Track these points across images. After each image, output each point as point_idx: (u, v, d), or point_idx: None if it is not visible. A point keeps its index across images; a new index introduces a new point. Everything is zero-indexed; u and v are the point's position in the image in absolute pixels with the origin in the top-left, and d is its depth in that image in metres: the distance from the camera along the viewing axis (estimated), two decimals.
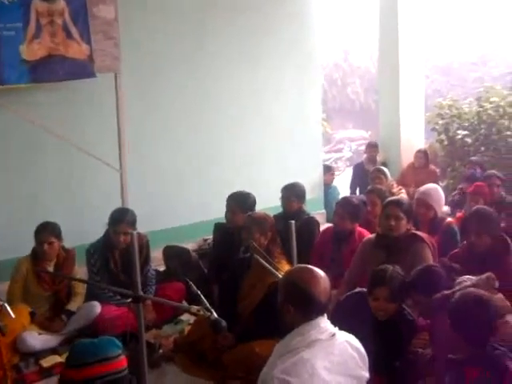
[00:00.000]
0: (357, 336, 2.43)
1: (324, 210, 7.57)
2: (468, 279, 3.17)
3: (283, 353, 2.28)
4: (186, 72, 6.31)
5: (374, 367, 2.50)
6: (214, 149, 6.58)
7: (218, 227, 5.26)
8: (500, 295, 3.05)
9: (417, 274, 3.31)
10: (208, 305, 2.60)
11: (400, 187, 6.88)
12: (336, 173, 17.13)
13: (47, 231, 4.33)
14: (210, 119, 6.54)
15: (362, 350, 2.44)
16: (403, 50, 8.59)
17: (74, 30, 4.92)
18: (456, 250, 3.99)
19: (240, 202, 4.88)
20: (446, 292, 3.01)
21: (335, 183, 8.53)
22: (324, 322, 2.34)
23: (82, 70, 5.00)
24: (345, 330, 2.42)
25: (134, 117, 5.63)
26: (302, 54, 7.44)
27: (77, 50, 4.95)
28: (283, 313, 2.36)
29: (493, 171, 6.32)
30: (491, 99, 8.25)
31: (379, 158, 8.59)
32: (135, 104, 5.73)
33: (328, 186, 8.05)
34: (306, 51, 7.52)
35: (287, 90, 7.28)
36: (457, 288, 3.02)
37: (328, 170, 8.36)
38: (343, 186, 8.80)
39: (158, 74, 6.10)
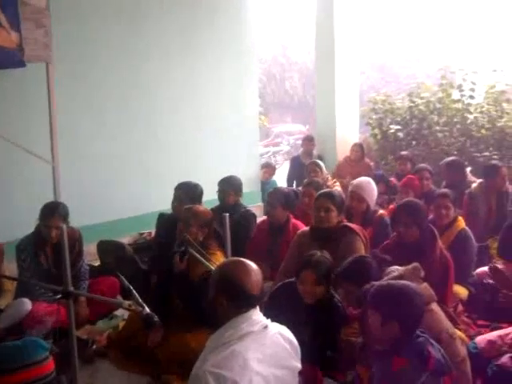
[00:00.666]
0: (290, 325, 2.46)
1: (261, 203, 7.63)
2: (395, 269, 3.24)
3: (215, 346, 2.27)
4: (122, 61, 6.20)
5: (306, 356, 2.55)
6: (150, 141, 6.50)
7: (162, 218, 5.20)
8: (425, 284, 3.14)
9: (348, 264, 3.38)
10: (140, 299, 2.57)
11: (335, 180, 7.01)
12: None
13: None
14: (147, 110, 6.46)
15: (295, 341, 2.47)
16: (339, 46, 8.76)
17: (2, 18, 4.73)
18: (387, 242, 4.10)
19: (188, 193, 4.86)
20: (375, 283, 3.09)
21: (274, 177, 8.62)
22: (256, 315, 2.35)
23: (11, 59, 4.82)
24: (278, 319, 2.44)
25: (66, 107, 5.48)
26: (239, 48, 7.46)
27: (5, 38, 4.76)
28: (215, 306, 2.36)
29: (424, 165, 6.53)
30: (422, 95, 8.51)
31: (316, 152, 8.73)
32: (68, 94, 5.57)
33: (267, 181, 8.11)
34: (244, 45, 7.54)
35: (224, 83, 7.28)
36: (385, 279, 3.09)
37: (267, 166, 8.42)
38: (281, 179, 8.89)
39: (92, 63, 5.96)
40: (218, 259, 3.66)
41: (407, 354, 2.48)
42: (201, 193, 4.96)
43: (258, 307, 2.39)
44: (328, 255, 3.47)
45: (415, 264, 3.24)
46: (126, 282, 2.80)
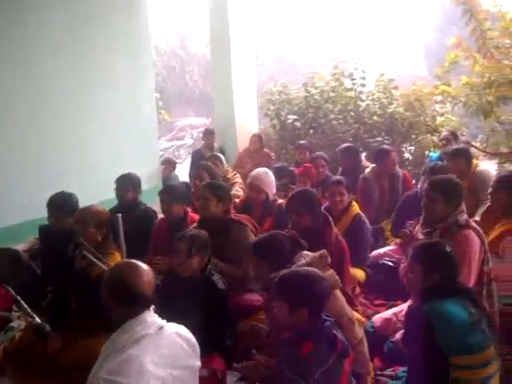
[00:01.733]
0: (179, 311, 2.43)
1: None
2: (306, 255, 3.29)
3: (110, 352, 2.22)
4: (7, 57, 5.83)
5: (204, 344, 2.55)
6: (44, 141, 6.18)
7: (41, 229, 4.97)
8: (331, 271, 3.22)
9: (261, 239, 3.44)
10: (29, 310, 2.45)
11: (235, 172, 7.03)
12: (178, 160, 17.15)
13: None
14: (39, 109, 6.14)
15: (193, 339, 2.47)
16: (234, 38, 8.78)
17: None
18: (286, 230, 4.17)
19: (62, 207, 4.60)
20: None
21: (177, 172, 8.53)
22: (150, 316, 2.32)
23: None
24: (168, 310, 2.42)
25: None
26: (133, 42, 7.30)
27: None
28: (108, 310, 2.30)
29: (319, 153, 6.71)
30: (316, 85, 8.72)
31: (216, 144, 8.74)
32: None
33: (168, 178, 8.01)
34: (138, 39, 7.38)
35: (119, 79, 7.09)
36: (293, 267, 3.13)
37: (166, 162, 8.32)
38: (185, 173, 8.80)
39: None
40: (116, 259, 3.57)
41: (315, 339, 2.54)
42: (75, 205, 4.66)
43: (151, 308, 2.35)
44: (204, 234, 3.54)
45: (322, 251, 3.32)
46: (14, 293, 2.66)
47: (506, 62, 7.22)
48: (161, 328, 2.32)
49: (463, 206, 3.62)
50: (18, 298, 2.57)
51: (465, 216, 3.58)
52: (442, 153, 5.89)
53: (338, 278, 3.24)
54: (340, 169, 6.53)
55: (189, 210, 4.77)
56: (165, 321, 2.37)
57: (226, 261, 3.88)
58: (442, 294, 2.74)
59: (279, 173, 5.81)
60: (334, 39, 24.10)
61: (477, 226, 3.60)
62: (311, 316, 2.58)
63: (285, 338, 2.71)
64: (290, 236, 3.51)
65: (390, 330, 3.64)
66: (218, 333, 3.31)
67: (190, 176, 8.36)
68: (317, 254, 3.31)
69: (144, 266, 2.34)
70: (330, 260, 3.34)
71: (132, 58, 7.32)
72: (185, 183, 5.11)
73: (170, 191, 4.71)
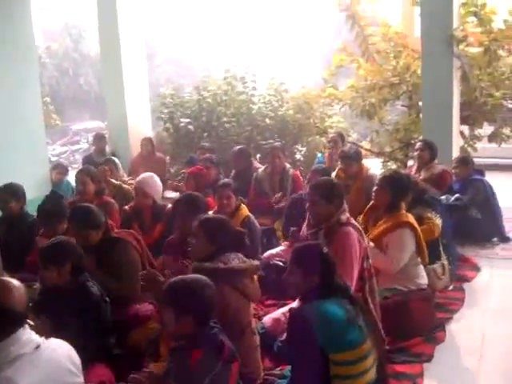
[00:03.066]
0: (55, 324, 2.36)
1: None
2: (240, 258, 3.27)
3: None
4: None
5: (87, 354, 2.50)
6: None
7: None
8: (257, 284, 3.32)
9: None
10: None
11: (131, 177, 6.90)
12: (74, 165, 16.54)
13: None
14: None
15: (73, 354, 2.39)
16: (124, 39, 8.59)
17: None
18: (171, 237, 4.17)
19: None
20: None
21: (69, 177, 8.24)
22: (25, 334, 2.22)
23: None
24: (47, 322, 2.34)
25: None
26: (14, 44, 6.93)
27: None
28: None
29: (208, 155, 6.71)
30: (209, 88, 8.75)
31: (108, 149, 8.52)
32: None
33: (59, 182, 7.70)
34: (20, 43, 7.01)
35: (2, 84, 6.72)
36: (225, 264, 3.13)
37: (57, 167, 8.01)
38: None
39: None
40: None
41: (203, 346, 2.54)
42: None
43: (26, 326, 2.25)
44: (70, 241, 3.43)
45: (258, 262, 3.38)
46: None
47: (386, 66, 7.63)
48: (38, 346, 2.22)
49: (345, 206, 3.73)
50: None
51: (347, 215, 3.70)
52: (339, 155, 6.07)
53: (259, 292, 3.33)
54: (233, 171, 6.59)
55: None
56: (43, 338, 2.28)
57: (108, 277, 3.70)
58: (321, 294, 2.81)
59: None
60: (228, 42, 24.33)
61: (356, 224, 3.75)
62: (197, 323, 2.58)
63: (173, 347, 2.69)
64: (237, 231, 3.50)
65: (279, 330, 3.70)
66: (99, 341, 3.23)
67: None
68: (254, 262, 3.32)
69: (14, 282, 2.24)
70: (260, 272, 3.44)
71: (14, 60, 6.96)
72: (61, 196, 4.91)
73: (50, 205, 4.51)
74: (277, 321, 3.80)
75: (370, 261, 3.65)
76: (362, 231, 3.74)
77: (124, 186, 6.11)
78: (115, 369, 3.22)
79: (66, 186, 7.74)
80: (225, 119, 8.27)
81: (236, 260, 3.23)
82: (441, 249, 4.68)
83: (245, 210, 4.75)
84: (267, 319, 3.86)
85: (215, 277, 2.93)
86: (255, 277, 4.41)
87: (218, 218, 3.52)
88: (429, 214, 4.65)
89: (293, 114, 8.16)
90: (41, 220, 4.48)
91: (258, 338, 3.36)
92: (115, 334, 3.48)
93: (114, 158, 6.94)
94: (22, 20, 7.13)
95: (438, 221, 4.67)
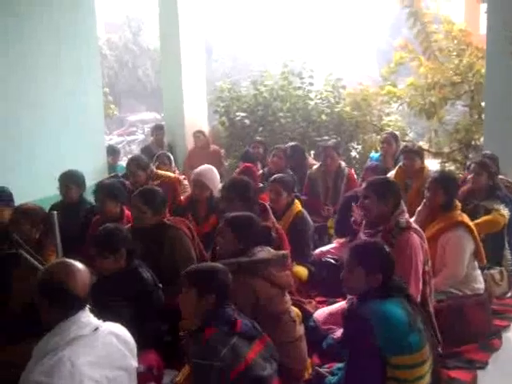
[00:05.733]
0: (108, 310, 2.41)
1: None
2: (267, 250, 3.30)
3: (43, 354, 2.18)
4: None
5: (139, 340, 2.53)
6: None
7: None
8: (288, 272, 3.30)
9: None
10: None
11: (184, 176, 6.97)
12: (129, 156, 16.89)
13: None
14: None
15: (130, 339, 2.44)
16: (184, 33, 8.70)
17: None
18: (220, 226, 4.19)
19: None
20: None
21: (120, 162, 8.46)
22: (85, 317, 2.29)
23: None
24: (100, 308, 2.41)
25: None
26: (78, 34, 7.11)
27: None
28: (41, 310, 2.26)
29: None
30: (266, 83, 8.76)
31: (166, 140, 8.67)
32: None
33: (113, 168, 7.91)
34: (83, 31, 7.20)
35: (63, 72, 6.89)
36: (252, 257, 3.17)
37: (112, 152, 8.22)
38: None
39: None
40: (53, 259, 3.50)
41: (217, 323, 2.64)
42: (9, 196, 4.61)
43: (87, 309, 2.32)
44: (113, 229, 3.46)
45: (285, 252, 3.36)
46: None
47: (448, 64, 7.43)
48: (96, 329, 2.29)
49: (403, 207, 3.64)
50: None
51: (406, 216, 3.59)
52: (401, 151, 5.93)
53: (292, 280, 3.31)
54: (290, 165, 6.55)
55: (125, 208, 4.60)
56: (101, 321, 2.34)
57: (161, 266, 3.78)
58: (381, 294, 2.76)
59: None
60: (285, 37, 24.27)
61: (417, 227, 3.64)
62: (219, 301, 2.70)
63: (192, 330, 2.78)
64: (265, 226, 3.53)
65: (332, 326, 3.68)
66: (151, 328, 3.28)
67: None
68: (280, 252, 3.34)
69: (79, 266, 2.30)
70: (289, 261, 3.38)
71: (77, 49, 7.14)
72: (120, 181, 5.00)
73: (103, 188, 4.53)
74: (328, 316, 3.78)
75: (430, 263, 3.56)
76: (423, 233, 3.63)
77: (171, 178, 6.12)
78: (164, 355, 3.29)
79: (118, 170, 7.94)
80: (280, 114, 8.27)
81: (262, 252, 3.26)
82: (506, 246, 4.56)
83: (298, 206, 4.74)
84: (318, 314, 3.84)
85: (239, 271, 3.04)
86: (304, 272, 4.47)
87: (244, 215, 3.50)
88: (496, 206, 4.56)
89: (349, 111, 8.07)
90: (100, 197, 4.53)
91: (301, 328, 3.34)
92: (167, 321, 3.52)
93: (167, 153, 7.02)
94: (85, 10, 7.30)
95: (506, 212, 4.55)
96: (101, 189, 4.53)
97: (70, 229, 4.41)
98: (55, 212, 3.23)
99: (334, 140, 7.08)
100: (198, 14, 9.10)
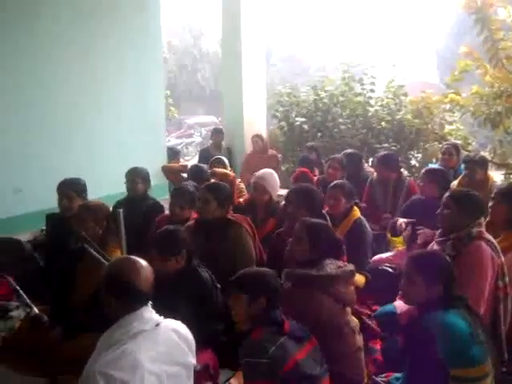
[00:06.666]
0: (167, 308, 2.46)
1: (168, 197, 7.54)
2: (334, 263, 3.27)
3: (106, 346, 2.25)
4: (15, 49, 5.87)
5: (196, 339, 2.57)
6: (47, 134, 6.21)
7: (50, 218, 5.01)
8: (353, 288, 3.30)
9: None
10: (27, 300, 2.49)
11: (240, 180, 7.02)
12: (186, 158, 17.18)
13: None
14: (44, 101, 6.15)
15: (190, 336, 2.49)
16: (245, 37, 8.77)
17: None
18: (280, 229, 4.20)
19: (74, 187, 4.71)
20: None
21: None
22: (148, 312, 2.35)
23: None
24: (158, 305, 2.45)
25: None
26: (143, 36, 7.31)
27: None
28: (106, 305, 2.33)
29: (337, 155, 6.62)
30: (326, 88, 8.73)
31: (224, 144, 8.76)
32: None
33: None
34: (148, 33, 7.40)
35: (127, 73, 7.11)
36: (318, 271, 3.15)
37: (175, 156, 8.35)
38: None
39: None
40: (117, 255, 3.59)
41: (265, 324, 2.71)
42: (84, 186, 4.80)
43: (149, 305, 2.38)
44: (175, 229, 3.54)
45: (352, 267, 3.34)
46: (14, 283, 2.70)
47: None
48: (158, 324, 2.34)
49: (482, 221, 3.52)
50: (17, 287, 2.60)
51: (481, 229, 3.48)
52: (463, 161, 5.76)
53: (355, 296, 3.30)
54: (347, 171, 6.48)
55: (193, 213, 4.69)
56: (162, 317, 2.39)
57: (220, 262, 3.85)
58: (443, 304, 2.71)
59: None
60: (345, 43, 24.10)
61: (491, 238, 3.50)
62: (269, 304, 2.74)
63: (241, 331, 2.82)
64: (337, 239, 3.53)
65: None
66: (209, 327, 3.31)
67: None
68: (347, 267, 3.30)
69: (142, 262, 2.37)
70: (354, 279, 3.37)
71: (141, 52, 7.34)
72: (195, 186, 5.13)
73: (182, 194, 4.64)
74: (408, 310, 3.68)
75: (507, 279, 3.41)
76: (497, 245, 3.49)
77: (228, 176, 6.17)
78: (220, 355, 3.33)
79: None
80: (340, 120, 8.24)
81: (330, 266, 3.22)
82: None
83: (357, 212, 4.69)
84: (399, 303, 3.71)
85: (307, 283, 3.05)
86: (362, 280, 4.41)
87: (323, 224, 3.50)
88: None
89: (411, 119, 7.94)
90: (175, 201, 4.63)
91: (360, 338, 3.30)
92: (223, 321, 3.56)
93: (222, 157, 7.10)
94: (150, 15, 7.49)
95: None
96: (179, 194, 4.64)
97: (133, 223, 4.54)
98: (121, 210, 3.32)
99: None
100: (259, 19, 9.16)
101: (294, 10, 26.37)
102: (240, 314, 2.80)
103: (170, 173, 6.65)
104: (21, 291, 2.56)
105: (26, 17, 5.96)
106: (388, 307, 3.59)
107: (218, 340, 3.45)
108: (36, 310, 2.45)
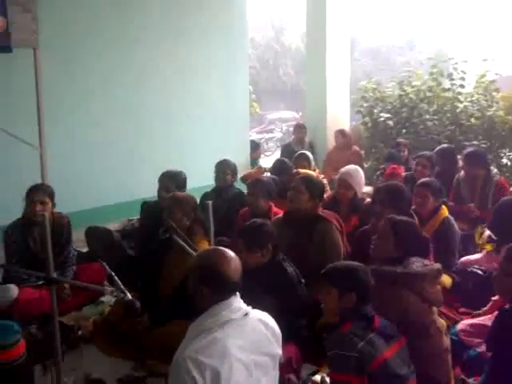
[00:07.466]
0: (250, 300, 2.48)
1: None
2: (420, 261, 3.19)
3: (196, 334, 2.30)
4: (109, 47, 6.17)
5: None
6: (137, 127, 6.48)
7: (145, 206, 5.20)
8: (439, 287, 3.20)
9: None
10: (122, 286, 2.59)
11: (323, 176, 6.99)
12: (267, 153, 17.31)
13: None
14: (134, 96, 6.43)
15: (276, 327, 2.51)
16: (330, 32, 8.71)
17: None
18: (366, 227, 4.15)
19: (175, 180, 4.88)
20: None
21: (264, 162, 8.66)
22: (237, 302, 2.38)
23: None
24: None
25: (53, 93, 5.45)
26: (229, 33, 7.44)
27: None
28: (196, 294, 2.38)
29: (426, 152, 6.45)
30: (413, 83, 8.52)
31: (307, 139, 8.74)
32: (55, 80, 5.55)
33: (254, 162, 8.15)
34: (234, 30, 7.51)
35: (214, 69, 7.26)
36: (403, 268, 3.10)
37: (254, 147, 8.44)
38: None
39: (79, 48, 5.94)
40: (203, 248, 3.66)
41: (352, 319, 2.69)
42: (184, 180, 4.98)
43: (238, 294, 2.42)
44: (261, 222, 3.57)
45: (439, 266, 3.27)
46: (108, 269, 2.82)
47: None
48: (246, 314, 2.38)
49: None
50: (112, 273, 2.72)
51: None
52: None
53: (441, 296, 3.22)
54: (435, 169, 6.30)
55: (272, 204, 4.79)
56: (250, 307, 2.43)
57: (308, 257, 3.87)
58: None
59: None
60: (433, 36, 23.34)
61: None
62: (359, 299, 2.72)
63: (330, 324, 2.82)
64: (424, 237, 3.49)
65: (474, 338, 3.51)
66: (292, 322, 3.32)
67: None
68: (434, 266, 3.23)
69: (232, 253, 2.41)
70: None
71: (228, 49, 7.46)
72: (273, 179, 5.18)
73: (259, 185, 4.76)
74: (472, 329, 3.60)
75: None
76: None
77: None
78: (302, 349, 3.35)
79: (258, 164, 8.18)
80: (427, 116, 8.01)
81: (417, 264, 3.14)
82: None
83: (445, 211, 4.56)
84: (462, 325, 3.67)
85: (393, 280, 2.99)
86: (448, 280, 4.29)
87: (409, 222, 3.43)
88: None
89: (503, 116, 7.59)
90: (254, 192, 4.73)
91: (447, 340, 3.21)
92: (306, 315, 3.58)
93: (307, 152, 7.08)
94: (237, 8, 7.59)
95: None
96: (257, 185, 4.74)
97: (219, 214, 4.64)
98: (210, 202, 3.39)
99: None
100: (344, 13, 9.06)
101: (376, 3, 25.84)
102: (330, 307, 2.80)
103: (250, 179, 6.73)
104: (115, 277, 2.67)
105: (121, 17, 6.23)
106: (451, 332, 3.49)
107: (301, 334, 3.46)
108: (129, 295, 2.54)
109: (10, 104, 5.40)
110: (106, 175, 6.17)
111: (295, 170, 5.93)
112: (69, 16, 5.79)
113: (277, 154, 14.00)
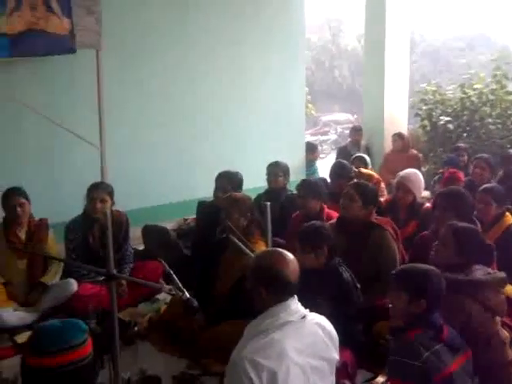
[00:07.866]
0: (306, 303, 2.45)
1: None
2: (483, 269, 3.12)
3: (254, 334, 2.29)
4: (169, 49, 6.26)
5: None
6: (194, 128, 6.55)
7: (202, 206, 5.25)
8: (503, 297, 3.10)
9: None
10: (180, 284, 2.61)
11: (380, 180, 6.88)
12: (321, 155, 17.20)
13: (16, 194, 4.24)
14: (192, 98, 6.50)
15: (334, 332, 2.47)
16: (389, 33, 8.58)
17: (54, 4, 4.81)
18: (425, 232, 4.05)
19: (231, 181, 4.92)
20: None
21: (319, 164, 8.61)
22: (294, 304, 2.36)
23: (62, 45, 4.90)
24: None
25: (114, 94, 5.57)
26: (286, 35, 7.42)
27: (57, 24, 4.83)
28: (254, 295, 2.38)
29: (484, 155, 6.27)
30: (475, 86, 8.28)
31: (363, 142, 8.64)
32: (116, 81, 5.67)
33: (311, 163, 8.11)
34: (291, 32, 7.49)
35: (270, 70, 7.26)
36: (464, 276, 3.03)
37: (311, 149, 8.39)
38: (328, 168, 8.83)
39: (140, 50, 6.05)
40: (260, 249, 3.66)
41: (421, 326, 2.60)
42: (241, 181, 5.00)
43: (295, 297, 2.40)
44: (321, 224, 3.56)
45: (503, 275, 3.17)
46: (167, 267, 2.85)
47: None
48: (303, 317, 2.35)
49: None
50: (171, 271, 2.74)
51: None
52: None
53: (506, 306, 3.12)
54: (499, 174, 6.10)
55: (325, 206, 4.74)
56: (307, 310, 2.41)
57: (362, 264, 3.80)
58: None
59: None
60: (496, 37, 22.66)
61: None
62: (429, 306, 2.62)
63: (394, 326, 2.74)
64: (488, 245, 3.38)
65: None
66: (347, 327, 3.26)
67: None
68: (498, 274, 3.14)
69: (290, 255, 2.40)
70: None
71: (285, 51, 7.44)
72: (323, 179, 5.13)
73: (307, 186, 4.72)
74: None
75: None
76: None
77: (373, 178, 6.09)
78: (357, 355, 3.29)
79: (313, 172, 8.12)
80: (489, 120, 7.77)
81: (480, 271, 3.05)
82: None
83: (509, 218, 4.38)
84: None
85: (456, 287, 2.88)
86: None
87: (471, 228, 3.31)
88: None
89: None
90: (304, 193, 4.70)
91: (511, 352, 3.09)
92: (361, 321, 3.53)
93: (364, 155, 6.97)
94: (295, 10, 7.57)
95: None
96: (306, 186, 4.71)
97: (272, 216, 4.63)
98: (268, 203, 3.38)
99: None
100: (404, 14, 8.89)
101: (435, 3, 25.29)
102: (398, 310, 2.71)
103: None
104: (174, 275, 2.70)
105: (182, 20, 6.33)
106: None
107: (357, 340, 3.41)
108: (187, 294, 2.56)
109: (72, 104, 5.55)
110: (163, 175, 6.25)
111: (357, 170, 5.88)
112: (131, 19, 5.90)
113: (331, 157, 13.90)
